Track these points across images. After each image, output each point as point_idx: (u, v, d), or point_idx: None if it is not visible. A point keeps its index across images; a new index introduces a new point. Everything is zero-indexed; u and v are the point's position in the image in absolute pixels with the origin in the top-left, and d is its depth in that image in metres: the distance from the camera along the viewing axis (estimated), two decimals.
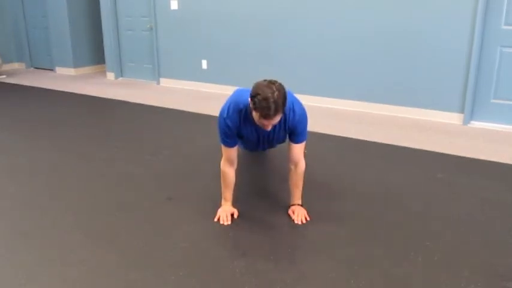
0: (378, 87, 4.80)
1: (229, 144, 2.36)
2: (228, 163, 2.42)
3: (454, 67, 4.30)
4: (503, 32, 4.04)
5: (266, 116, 2.02)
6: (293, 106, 2.28)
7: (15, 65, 8.97)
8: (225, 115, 2.29)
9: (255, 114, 2.08)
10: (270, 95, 1.98)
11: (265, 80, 2.08)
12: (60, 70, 8.18)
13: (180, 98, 5.78)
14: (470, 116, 4.32)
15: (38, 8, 8.22)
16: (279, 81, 2.09)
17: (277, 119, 2.07)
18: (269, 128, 2.15)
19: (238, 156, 2.51)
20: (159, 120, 4.62)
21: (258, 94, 2.00)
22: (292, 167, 2.43)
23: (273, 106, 1.98)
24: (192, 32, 6.20)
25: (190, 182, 2.96)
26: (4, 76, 7.79)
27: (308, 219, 2.41)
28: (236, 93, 2.37)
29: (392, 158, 3.40)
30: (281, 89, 2.04)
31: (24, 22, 8.55)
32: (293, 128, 2.32)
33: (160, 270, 1.97)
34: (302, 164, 2.43)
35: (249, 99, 2.09)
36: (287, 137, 2.42)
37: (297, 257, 2.07)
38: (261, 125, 2.13)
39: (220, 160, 2.47)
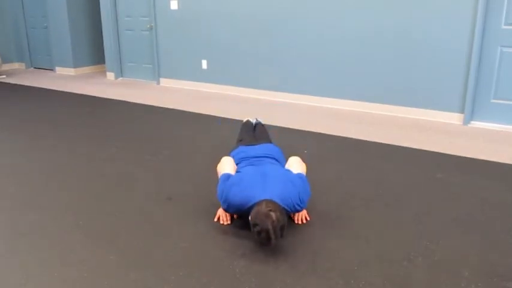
0: (378, 87, 4.80)
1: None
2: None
3: (454, 67, 4.30)
4: (503, 32, 4.04)
5: (267, 244, 2.03)
6: (299, 197, 2.26)
7: (15, 65, 8.97)
8: (222, 205, 2.32)
9: (255, 237, 2.06)
10: (270, 227, 1.97)
11: (264, 205, 2.04)
12: (60, 70, 8.18)
13: (180, 98, 5.78)
14: (470, 116, 4.32)
15: (38, 8, 8.22)
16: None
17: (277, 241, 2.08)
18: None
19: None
20: (159, 120, 4.62)
21: (257, 225, 2.00)
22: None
23: (273, 237, 1.99)
24: (192, 32, 6.20)
25: (190, 182, 2.96)
26: (4, 76, 7.79)
27: (308, 219, 2.41)
28: (236, 194, 2.25)
29: (392, 158, 3.40)
30: (280, 216, 2.01)
31: (24, 22, 8.56)
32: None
33: (160, 270, 1.97)
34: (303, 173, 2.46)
35: (249, 219, 2.10)
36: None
37: (297, 257, 2.07)
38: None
39: (220, 160, 2.48)
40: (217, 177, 2.51)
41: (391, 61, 4.66)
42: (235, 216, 2.45)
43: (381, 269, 1.96)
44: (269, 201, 2.07)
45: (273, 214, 1.99)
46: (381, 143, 3.76)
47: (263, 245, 2.05)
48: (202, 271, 1.96)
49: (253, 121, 3.61)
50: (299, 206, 2.26)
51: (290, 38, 5.31)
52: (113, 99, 5.73)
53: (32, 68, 8.79)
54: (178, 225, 2.37)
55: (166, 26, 6.48)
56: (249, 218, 2.10)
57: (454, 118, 4.40)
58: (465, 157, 3.41)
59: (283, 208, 2.15)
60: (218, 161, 2.60)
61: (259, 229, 1.98)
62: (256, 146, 2.72)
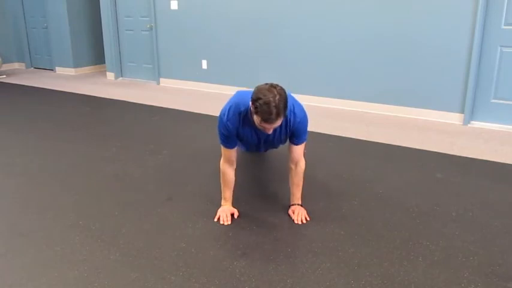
0: (378, 87, 4.80)
1: (229, 145, 2.36)
2: (228, 163, 2.43)
3: (454, 67, 4.30)
4: (503, 32, 4.04)
5: (268, 120, 2.02)
6: (294, 108, 2.28)
7: (15, 65, 8.97)
8: (225, 117, 2.28)
9: (256, 118, 2.07)
10: (271, 99, 1.98)
11: (266, 84, 2.08)
12: (60, 70, 8.18)
13: (180, 98, 5.78)
14: (471, 116, 4.32)
15: (38, 8, 8.22)
16: (280, 84, 2.09)
17: (278, 122, 2.07)
18: (270, 132, 2.15)
19: (238, 156, 2.51)
20: (159, 120, 4.62)
21: (260, 98, 2.00)
22: (293, 166, 2.43)
23: (274, 110, 1.98)
24: (192, 32, 6.20)
25: (190, 182, 2.96)
26: (4, 76, 7.80)
27: (308, 219, 2.41)
28: (237, 95, 2.36)
29: (392, 158, 3.40)
30: (282, 92, 2.04)
31: (24, 22, 8.56)
32: (294, 130, 2.32)
33: (160, 270, 1.97)
34: (302, 164, 2.43)
35: (250, 102, 2.09)
36: (288, 138, 2.42)
37: (297, 257, 2.07)
38: (262, 128, 2.13)
39: (220, 160, 2.46)
40: (218, 176, 2.51)
41: (391, 61, 4.66)
42: (235, 215, 2.45)
43: (380, 269, 1.97)
44: (270, 83, 2.08)
45: (274, 89, 2.02)
46: (381, 143, 3.76)
47: (264, 120, 2.02)
48: (202, 271, 1.96)
49: None
50: (294, 113, 2.26)
51: (290, 38, 5.31)
52: (113, 99, 5.73)
53: (32, 68, 8.79)
54: (178, 225, 2.37)
55: (166, 26, 6.48)
56: (250, 99, 2.08)
57: (454, 118, 4.40)
58: (465, 157, 3.41)
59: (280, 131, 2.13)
60: (218, 161, 2.59)
61: (261, 102, 1.98)
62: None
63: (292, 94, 2.41)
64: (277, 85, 2.07)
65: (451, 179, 2.97)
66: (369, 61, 4.80)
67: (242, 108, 2.25)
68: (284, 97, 2.04)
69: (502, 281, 1.88)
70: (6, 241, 2.24)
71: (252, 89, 2.13)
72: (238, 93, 2.40)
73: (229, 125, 2.27)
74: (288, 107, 2.17)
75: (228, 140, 2.33)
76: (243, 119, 2.26)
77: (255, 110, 2.04)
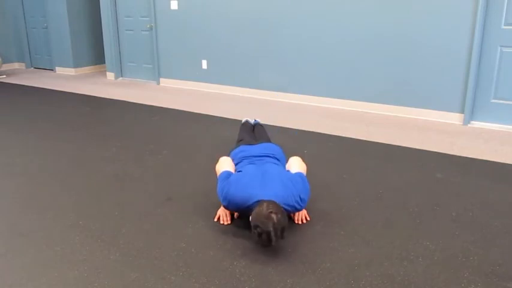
0: (378, 87, 4.80)
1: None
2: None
3: (454, 67, 4.30)
4: (503, 32, 4.04)
5: (268, 245, 2.04)
6: (300, 197, 2.26)
7: (15, 65, 8.97)
8: (222, 203, 2.30)
9: (257, 238, 2.05)
10: (271, 229, 1.97)
11: (265, 206, 2.04)
12: (60, 70, 8.18)
13: (180, 98, 5.78)
14: (470, 116, 4.33)
15: (38, 8, 8.22)
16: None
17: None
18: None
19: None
20: (159, 120, 4.62)
21: (258, 226, 2.00)
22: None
23: (274, 239, 1.99)
24: (192, 32, 6.20)
25: (190, 182, 2.96)
26: (4, 76, 7.80)
27: (308, 219, 2.41)
28: (236, 192, 2.25)
29: (392, 158, 3.40)
30: (281, 216, 2.01)
31: (24, 22, 8.56)
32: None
33: (160, 270, 1.97)
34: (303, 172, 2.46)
35: (250, 220, 2.10)
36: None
37: (297, 257, 2.07)
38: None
39: (218, 160, 2.49)
40: (217, 176, 2.51)
41: (391, 61, 4.66)
42: (235, 215, 2.45)
43: (380, 269, 1.97)
44: (270, 202, 2.07)
45: (274, 216, 1.99)
46: (381, 143, 3.76)
47: (264, 246, 2.06)
48: (202, 271, 1.96)
49: (252, 121, 3.61)
50: (299, 205, 2.26)
51: (290, 38, 5.31)
52: (113, 99, 5.73)
53: (32, 68, 8.79)
54: (178, 225, 2.37)
55: (166, 26, 6.48)
56: (250, 219, 2.10)
57: (454, 118, 4.40)
58: (465, 157, 3.41)
59: (284, 209, 2.14)
60: (218, 161, 2.60)
61: (260, 231, 1.99)
62: (256, 145, 2.72)
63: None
64: (274, 205, 2.05)
65: (451, 179, 2.97)
66: (369, 61, 4.80)
67: (242, 208, 2.24)
68: (283, 221, 2.02)
69: (502, 281, 1.88)
70: (6, 241, 2.24)
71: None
72: (237, 181, 2.29)
73: (230, 207, 2.31)
74: (295, 200, 2.22)
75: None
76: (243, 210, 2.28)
77: (254, 235, 2.04)
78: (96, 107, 5.33)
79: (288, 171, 2.42)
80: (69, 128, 4.35)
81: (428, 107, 4.53)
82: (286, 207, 2.19)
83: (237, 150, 2.72)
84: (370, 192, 2.77)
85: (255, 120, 3.62)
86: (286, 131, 4.15)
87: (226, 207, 2.33)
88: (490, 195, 2.72)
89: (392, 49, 4.62)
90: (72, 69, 7.97)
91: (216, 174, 2.56)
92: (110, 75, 7.38)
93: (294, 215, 2.42)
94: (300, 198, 2.26)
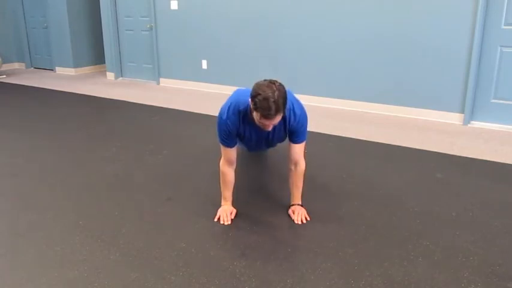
0: (378, 87, 4.80)
1: (228, 144, 2.36)
2: (227, 163, 2.42)
3: (454, 67, 4.30)
4: (503, 32, 4.04)
5: (267, 116, 2.02)
6: (293, 107, 2.28)
7: (15, 65, 8.97)
8: (224, 116, 2.28)
9: (255, 115, 2.07)
10: (270, 94, 1.98)
11: (265, 80, 2.07)
12: (60, 70, 8.18)
13: (180, 98, 5.78)
14: (471, 116, 4.32)
15: (38, 8, 8.22)
16: (279, 81, 2.09)
17: (278, 119, 2.06)
18: (270, 128, 2.14)
19: (238, 156, 2.50)
20: (159, 120, 4.62)
21: (259, 94, 1.99)
22: (292, 167, 2.43)
23: (273, 106, 1.98)
24: (192, 32, 6.20)
25: (190, 182, 2.96)
26: (4, 76, 7.80)
27: (308, 219, 2.41)
28: (236, 94, 2.36)
29: (392, 158, 3.40)
30: (281, 88, 2.04)
31: (24, 22, 8.56)
32: (293, 129, 2.32)
33: (160, 270, 1.97)
34: (302, 164, 2.43)
35: (250, 99, 2.09)
36: (287, 136, 2.42)
37: (297, 257, 2.07)
38: (261, 125, 2.13)
39: (220, 160, 2.46)
40: (218, 176, 2.50)
41: (391, 61, 4.66)
42: (232, 215, 2.45)
43: (380, 269, 1.97)
44: (269, 79, 2.08)
45: (273, 85, 2.01)
46: (381, 143, 3.76)
47: (263, 117, 2.02)
48: (202, 271, 1.96)
49: None
50: (294, 112, 2.25)
51: (290, 37, 5.31)
52: (113, 99, 5.73)
53: (32, 68, 8.79)
54: (178, 225, 2.37)
55: (166, 26, 6.48)
56: (250, 96, 2.07)
57: (454, 118, 4.40)
58: (465, 157, 3.41)
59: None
60: (218, 160, 2.59)
61: (260, 98, 1.97)
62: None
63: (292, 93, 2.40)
64: (276, 81, 2.07)
65: (451, 179, 2.97)
66: (369, 61, 4.80)
67: (242, 107, 2.24)
68: (283, 93, 2.04)
69: (502, 281, 1.88)
70: (6, 241, 2.24)
71: (251, 88, 2.12)
72: (237, 91, 2.40)
73: (229, 123, 2.27)
74: (288, 106, 2.17)
75: (228, 139, 2.33)
76: (242, 117, 2.26)
77: (254, 106, 2.04)
78: (96, 107, 5.33)
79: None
80: (69, 128, 4.35)
81: (428, 107, 4.53)
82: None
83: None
84: (370, 192, 2.77)
85: None
86: None
87: (227, 135, 2.29)
88: (490, 195, 2.72)
89: (392, 49, 4.62)
90: (72, 69, 7.97)
91: (218, 173, 2.55)
92: (110, 75, 7.38)
93: (293, 213, 2.42)
94: (294, 105, 2.26)
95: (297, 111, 2.29)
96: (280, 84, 2.06)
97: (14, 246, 2.18)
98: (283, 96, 2.02)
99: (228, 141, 2.34)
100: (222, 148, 2.40)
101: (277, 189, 2.83)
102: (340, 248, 2.14)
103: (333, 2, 4.89)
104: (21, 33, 8.66)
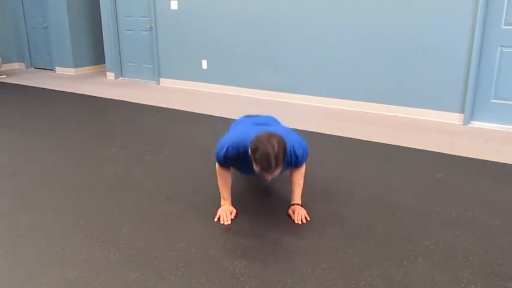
0: (378, 87, 4.80)
1: (224, 166, 2.38)
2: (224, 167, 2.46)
3: (454, 67, 4.30)
4: (503, 32, 4.04)
5: (267, 170, 2.03)
6: (293, 149, 2.27)
7: (15, 65, 8.97)
8: (223, 151, 2.28)
9: (255, 166, 2.07)
10: (270, 150, 1.98)
11: (265, 133, 2.06)
12: (60, 70, 8.18)
13: (180, 98, 5.78)
14: (471, 116, 4.33)
15: (38, 8, 8.22)
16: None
17: (277, 171, 2.07)
18: (269, 179, 2.15)
19: None
20: (159, 120, 4.62)
21: (258, 148, 2.00)
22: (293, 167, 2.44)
23: (273, 162, 1.99)
24: (192, 32, 6.20)
25: (190, 182, 2.96)
26: (4, 76, 7.80)
27: (308, 219, 2.41)
28: (235, 134, 2.32)
29: (392, 158, 3.40)
30: (281, 142, 2.03)
31: (24, 22, 8.56)
32: (294, 165, 2.35)
33: (160, 270, 1.97)
34: (303, 165, 2.43)
35: (249, 150, 2.09)
36: None
37: (297, 257, 2.07)
38: (260, 176, 2.14)
39: (216, 163, 2.47)
40: (217, 177, 2.50)
41: (391, 61, 4.66)
42: (232, 214, 2.45)
43: (380, 269, 1.97)
44: (271, 132, 2.08)
45: (274, 140, 2.01)
46: (381, 143, 3.76)
47: (263, 170, 2.03)
48: (202, 271, 1.96)
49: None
50: (294, 154, 2.25)
51: (290, 37, 5.31)
52: (113, 99, 5.73)
53: (32, 68, 8.79)
54: (178, 225, 2.37)
55: (166, 26, 6.48)
56: (249, 148, 2.08)
57: (454, 118, 4.40)
58: (465, 157, 3.41)
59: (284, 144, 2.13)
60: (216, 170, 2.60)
61: (260, 154, 1.98)
62: (258, 116, 2.72)
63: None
64: (276, 134, 2.07)
65: (451, 179, 2.97)
66: (369, 61, 4.80)
67: (241, 150, 2.25)
68: (283, 146, 2.03)
69: (502, 281, 1.88)
70: (6, 241, 2.24)
71: (248, 113, 2.13)
72: (236, 130, 2.37)
73: (228, 158, 2.30)
74: (288, 149, 2.20)
75: (225, 163, 2.36)
76: (241, 157, 2.27)
77: (253, 158, 2.05)
78: (96, 107, 5.33)
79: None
80: (69, 128, 4.35)
81: (428, 107, 4.53)
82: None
83: (238, 120, 2.72)
84: (370, 192, 2.77)
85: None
86: None
87: (223, 162, 2.30)
88: (490, 195, 2.72)
89: (392, 49, 4.62)
90: (72, 69, 7.97)
91: (216, 175, 2.55)
92: (110, 75, 7.38)
93: (293, 213, 2.42)
94: (295, 147, 2.25)
95: (298, 152, 2.29)
96: (280, 137, 2.06)
97: (14, 246, 2.18)
98: (283, 150, 2.02)
99: (225, 164, 2.37)
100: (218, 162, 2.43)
101: (277, 189, 2.83)
102: (340, 248, 2.14)
103: (333, 2, 4.89)
104: (21, 33, 8.66)
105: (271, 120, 2.66)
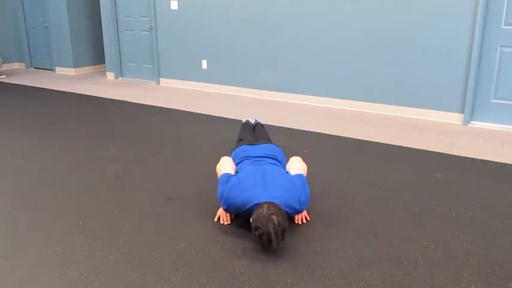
0: (378, 87, 4.80)
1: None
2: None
3: (454, 67, 4.30)
4: (503, 32, 4.04)
5: (268, 248, 2.04)
6: (300, 199, 2.27)
7: (15, 65, 8.97)
8: (224, 206, 2.31)
9: (257, 241, 2.05)
10: (271, 230, 1.97)
11: (264, 207, 2.04)
12: (60, 70, 8.18)
13: (180, 98, 5.78)
14: (471, 116, 4.33)
15: (38, 8, 8.22)
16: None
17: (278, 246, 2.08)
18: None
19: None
20: (159, 120, 4.62)
21: (259, 228, 1.99)
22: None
23: (274, 240, 1.99)
24: (192, 32, 6.20)
25: (190, 182, 2.96)
26: (4, 76, 7.80)
27: (308, 219, 2.41)
28: (236, 196, 2.25)
29: (392, 158, 3.40)
30: (281, 220, 2.01)
31: (24, 22, 8.56)
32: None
33: (160, 270, 1.97)
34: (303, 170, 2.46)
35: (250, 220, 2.09)
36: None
37: (297, 257, 2.07)
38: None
39: (217, 163, 2.48)
40: (217, 177, 2.51)
41: (391, 61, 4.66)
42: (232, 215, 2.45)
43: (380, 269, 1.96)
44: (270, 204, 2.07)
45: (274, 217, 1.99)
46: (381, 143, 3.76)
47: (264, 248, 2.05)
48: (202, 271, 1.96)
49: (253, 121, 3.61)
50: (299, 207, 2.26)
51: (290, 37, 5.31)
52: (113, 99, 5.73)
53: (32, 68, 8.79)
54: (178, 225, 2.37)
55: (166, 26, 6.48)
56: (250, 220, 2.10)
57: (454, 118, 4.40)
58: (465, 157, 3.41)
59: (284, 211, 2.14)
60: (218, 160, 2.60)
61: (261, 232, 1.98)
62: (257, 146, 2.72)
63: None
64: (275, 207, 2.05)
65: (451, 179, 2.97)
66: (369, 61, 4.80)
67: (242, 211, 2.24)
68: (283, 223, 2.02)
69: (502, 281, 1.88)
70: (6, 241, 2.24)
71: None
72: (236, 185, 2.28)
73: (230, 210, 2.32)
74: (297, 198, 2.22)
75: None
76: (243, 212, 2.27)
77: (254, 236, 2.04)
78: (96, 107, 5.33)
79: (288, 172, 2.42)
80: (69, 128, 4.35)
81: (428, 107, 4.53)
82: (286, 209, 2.19)
83: (237, 150, 2.72)
84: (370, 192, 2.77)
85: (256, 121, 3.62)
86: (286, 131, 4.15)
87: (226, 210, 2.33)
88: (490, 195, 2.72)
89: (392, 49, 4.62)
90: (72, 69, 7.97)
91: (216, 174, 2.56)
92: (110, 75, 7.38)
93: (294, 215, 2.42)
94: (300, 201, 2.26)
95: (304, 200, 2.28)
96: (281, 212, 2.04)
97: (14, 246, 2.18)
98: (283, 227, 2.01)
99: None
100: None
101: None
102: (340, 248, 2.14)
103: (333, 2, 4.89)
104: (21, 33, 8.66)
105: (272, 152, 2.64)
